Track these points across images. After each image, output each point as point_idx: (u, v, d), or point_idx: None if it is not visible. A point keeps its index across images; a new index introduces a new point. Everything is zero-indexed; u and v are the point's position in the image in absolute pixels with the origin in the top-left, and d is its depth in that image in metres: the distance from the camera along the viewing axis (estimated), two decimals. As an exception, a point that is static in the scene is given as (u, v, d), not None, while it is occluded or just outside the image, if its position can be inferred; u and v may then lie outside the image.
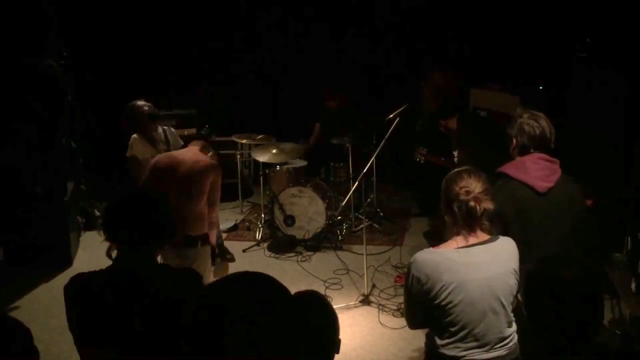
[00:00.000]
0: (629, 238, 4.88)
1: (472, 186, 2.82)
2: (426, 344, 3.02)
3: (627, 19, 5.71)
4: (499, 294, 2.81)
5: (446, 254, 2.84)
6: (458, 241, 2.87)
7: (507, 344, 2.88)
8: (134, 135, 5.97)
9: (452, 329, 2.82)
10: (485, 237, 2.89)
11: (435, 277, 2.78)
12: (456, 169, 2.96)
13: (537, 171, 3.43)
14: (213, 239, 4.76)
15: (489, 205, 2.81)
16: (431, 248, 2.92)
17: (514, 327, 2.92)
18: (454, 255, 2.82)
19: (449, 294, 2.77)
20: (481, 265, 2.81)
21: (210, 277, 4.64)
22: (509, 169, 3.51)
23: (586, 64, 5.93)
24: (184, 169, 4.45)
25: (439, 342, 2.87)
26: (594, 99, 5.74)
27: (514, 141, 3.55)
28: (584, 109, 5.77)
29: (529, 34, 7.27)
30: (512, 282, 2.87)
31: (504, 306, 2.83)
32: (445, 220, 2.96)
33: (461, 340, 2.82)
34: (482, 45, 8.07)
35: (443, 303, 2.79)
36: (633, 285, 4.36)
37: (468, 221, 2.83)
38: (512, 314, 2.90)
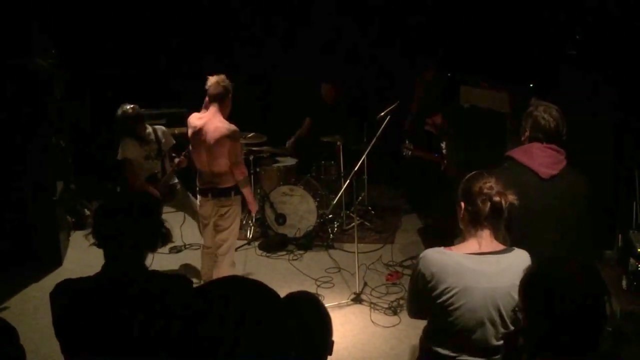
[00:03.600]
0: (620, 235, 4.89)
1: (494, 183, 2.81)
2: (421, 339, 3.03)
3: (618, 17, 5.72)
4: (500, 305, 2.77)
5: (456, 257, 2.81)
6: (471, 246, 2.85)
7: (496, 355, 2.84)
8: (125, 138, 6.00)
9: (449, 331, 2.82)
10: (500, 247, 2.86)
11: (441, 277, 2.78)
12: (474, 172, 2.93)
13: (542, 158, 3.48)
14: (248, 195, 5.45)
15: (512, 199, 2.80)
16: (442, 248, 2.88)
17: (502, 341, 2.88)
18: (464, 260, 2.80)
19: (451, 296, 2.77)
20: (489, 275, 2.77)
21: (238, 223, 5.49)
22: (516, 153, 3.57)
23: (576, 61, 5.94)
24: (207, 134, 5.11)
25: (433, 339, 2.88)
26: (582, 97, 5.75)
27: (527, 132, 3.60)
28: (573, 107, 5.78)
29: (519, 32, 7.27)
30: (517, 296, 2.82)
31: (502, 318, 2.80)
32: (460, 224, 2.93)
33: (455, 344, 2.82)
34: (472, 44, 8.07)
35: (445, 304, 2.79)
36: (624, 283, 4.37)
37: (491, 217, 2.79)
38: (510, 326, 2.84)
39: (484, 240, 2.83)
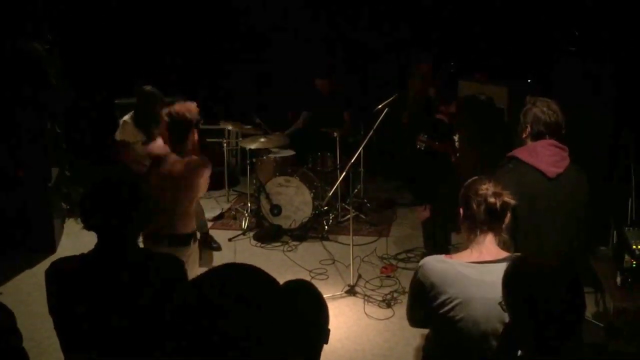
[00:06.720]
0: (615, 232, 4.91)
1: (491, 185, 2.71)
2: (423, 347, 2.95)
3: (616, 11, 5.72)
4: (506, 318, 2.50)
5: (457, 267, 2.66)
6: (472, 254, 2.70)
7: None
8: (125, 118, 5.81)
9: (451, 344, 2.70)
10: (503, 254, 2.70)
11: (441, 288, 2.64)
12: (473, 178, 2.82)
13: (547, 157, 3.46)
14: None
15: (509, 199, 2.68)
16: (443, 256, 2.76)
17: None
18: (466, 270, 2.64)
19: (452, 308, 2.62)
20: (493, 285, 2.46)
21: (197, 271, 4.36)
22: (521, 153, 3.54)
23: (574, 57, 5.94)
24: (178, 170, 4.23)
25: (435, 351, 2.80)
26: (580, 93, 5.74)
27: (528, 128, 3.55)
28: (571, 102, 5.78)
29: (518, 27, 7.27)
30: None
31: None
32: (462, 232, 2.82)
33: (456, 356, 2.71)
34: (470, 37, 8.07)
35: (446, 316, 2.65)
36: (618, 279, 4.38)
37: (488, 220, 2.67)
38: None
39: (485, 247, 2.70)
